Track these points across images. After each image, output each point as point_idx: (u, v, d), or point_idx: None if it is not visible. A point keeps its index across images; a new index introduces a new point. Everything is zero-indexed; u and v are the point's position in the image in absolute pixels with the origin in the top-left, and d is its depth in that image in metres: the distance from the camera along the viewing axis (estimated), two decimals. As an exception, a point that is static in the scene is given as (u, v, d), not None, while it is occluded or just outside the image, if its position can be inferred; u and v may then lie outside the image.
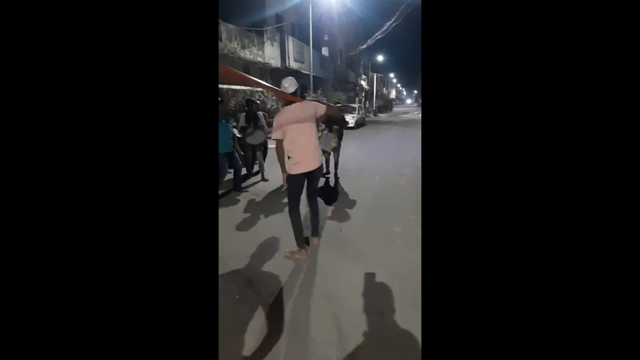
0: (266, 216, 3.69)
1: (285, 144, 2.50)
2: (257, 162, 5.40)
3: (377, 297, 2.14)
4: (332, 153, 4.99)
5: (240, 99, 10.06)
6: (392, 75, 57.58)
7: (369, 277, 2.39)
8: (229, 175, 4.69)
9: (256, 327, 1.86)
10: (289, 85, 2.53)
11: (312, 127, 2.57)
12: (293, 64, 14.76)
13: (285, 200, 4.22)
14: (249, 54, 11.61)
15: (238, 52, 10.96)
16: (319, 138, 4.78)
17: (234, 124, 5.09)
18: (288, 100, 2.55)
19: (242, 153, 4.59)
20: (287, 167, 2.58)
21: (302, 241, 2.68)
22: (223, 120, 4.32)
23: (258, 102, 6.15)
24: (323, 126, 5.01)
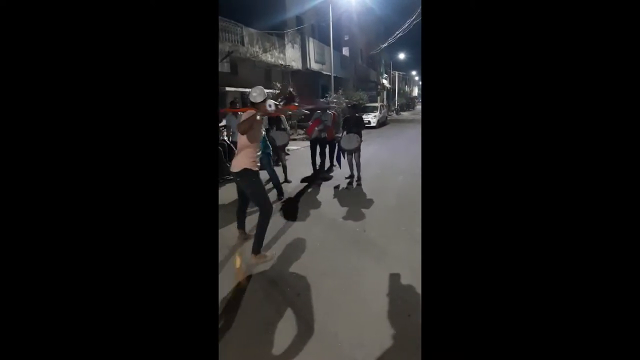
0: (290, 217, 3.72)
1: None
2: (281, 163, 5.46)
3: (402, 298, 2.12)
4: (353, 155, 4.95)
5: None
6: (414, 73, 56.60)
7: (394, 278, 2.37)
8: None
9: (282, 327, 1.88)
10: (257, 94, 2.57)
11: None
12: (314, 66, 14.81)
13: (310, 200, 4.26)
14: (270, 57, 11.76)
15: (260, 55, 11.12)
16: (340, 138, 4.74)
17: None
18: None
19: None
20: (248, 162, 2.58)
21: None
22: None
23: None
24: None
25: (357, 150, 4.84)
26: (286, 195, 4.49)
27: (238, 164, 2.57)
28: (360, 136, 4.85)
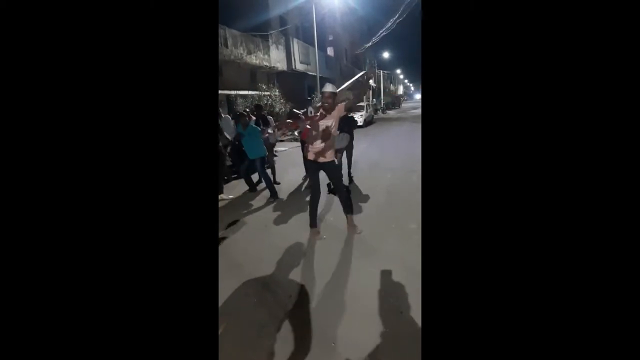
0: (282, 218, 3.71)
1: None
2: (269, 164, 5.43)
3: (394, 295, 2.13)
4: (344, 153, 4.97)
5: (249, 104, 10.15)
6: (398, 71, 57.12)
7: (386, 275, 2.38)
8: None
9: (276, 330, 1.87)
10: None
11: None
12: (299, 66, 14.79)
13: (300, 200, 4.25)
14: (255, 59, 11.70)
15: (244, 57, 11.05)
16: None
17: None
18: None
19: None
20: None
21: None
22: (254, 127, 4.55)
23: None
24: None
25: (349, 148, 4.88)
26: (280, 195, 4.47)
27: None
28: (352, 135, 4.87)
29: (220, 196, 4.54)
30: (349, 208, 3.17)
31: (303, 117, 2.86)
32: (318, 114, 2.86)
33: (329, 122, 2.86)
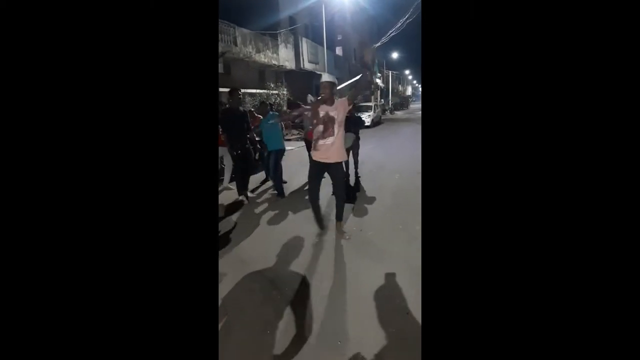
0: (288, 217, 3.72)
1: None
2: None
3: (400, 296, 2.13)
4: (350, 153, 4.98)
5: (256, 102, 10.20)
6: (407, 72, 56.90)
7: (392, 276, 2.38)
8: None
9: (282, 327, 1.88)
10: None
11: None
12: (307, 65, 14.80)
13: (305, 199, 4.26)
14: (263, 58, 11.74)
15: (253, 56, 11.09)
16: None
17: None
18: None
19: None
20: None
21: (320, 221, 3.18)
22: (272, 121, 4.44)
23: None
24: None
25: (355, 147, 4.88)
26: (287, 193, 4.48)
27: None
28: (358, 135, 4.88)
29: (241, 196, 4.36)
30: (340, 215, 3.09)
31: (303, 106, 2.77)
32: (317, 102, 2.80)
33: (331, 111, 2.77)
